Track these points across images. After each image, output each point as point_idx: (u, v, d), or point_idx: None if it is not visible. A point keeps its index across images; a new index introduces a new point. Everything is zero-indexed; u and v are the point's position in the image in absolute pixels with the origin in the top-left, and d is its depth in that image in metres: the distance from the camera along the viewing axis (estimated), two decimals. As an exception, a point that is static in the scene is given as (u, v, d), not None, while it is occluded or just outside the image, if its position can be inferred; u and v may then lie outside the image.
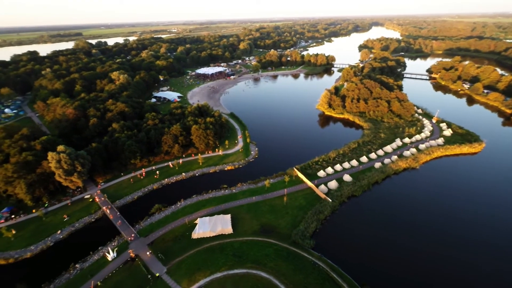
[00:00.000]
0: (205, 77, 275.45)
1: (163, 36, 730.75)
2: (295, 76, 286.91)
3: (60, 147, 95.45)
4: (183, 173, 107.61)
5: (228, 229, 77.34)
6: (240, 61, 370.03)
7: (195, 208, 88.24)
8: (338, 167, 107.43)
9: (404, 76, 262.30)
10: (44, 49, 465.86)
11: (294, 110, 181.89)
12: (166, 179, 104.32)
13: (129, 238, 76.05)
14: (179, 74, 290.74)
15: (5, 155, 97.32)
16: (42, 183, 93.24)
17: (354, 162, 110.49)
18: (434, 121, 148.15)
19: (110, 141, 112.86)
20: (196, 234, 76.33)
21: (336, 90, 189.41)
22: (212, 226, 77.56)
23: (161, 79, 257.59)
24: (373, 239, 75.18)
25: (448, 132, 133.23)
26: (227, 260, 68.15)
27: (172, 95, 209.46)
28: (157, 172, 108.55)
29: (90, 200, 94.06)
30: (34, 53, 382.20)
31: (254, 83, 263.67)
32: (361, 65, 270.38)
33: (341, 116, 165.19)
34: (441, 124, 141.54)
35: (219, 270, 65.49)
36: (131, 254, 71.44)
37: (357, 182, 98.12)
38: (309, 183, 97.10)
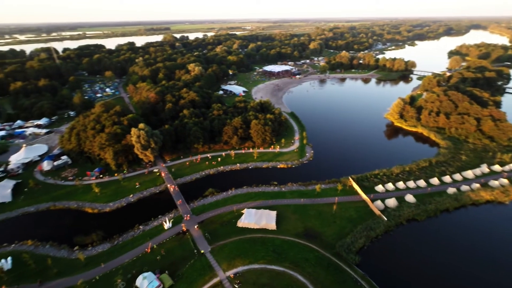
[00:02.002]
0: (271, 75, 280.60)
1: (237, 33, 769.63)
2: (366, 81, 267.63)
3: (141, 125, 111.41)
4: (238, 164, 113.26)
5: (272, 225, 78.68)
6: (308, 61, 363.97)
7: (244, 199, 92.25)
8: (400, 184, 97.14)
9: (506, 91, 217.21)
10: (139, 41, 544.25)
11: (358, 117, 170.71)
12: (222, 167, 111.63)
13: (185, 218, 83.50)
14: (247, 69, 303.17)
15: (101, 126, 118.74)
16: (124, 153, 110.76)
17: (422, 183, 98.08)
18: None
19: (179, 125, 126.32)
20: (242, 223, 79.98)
21: (412, 100, 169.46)
22: (257, 218, 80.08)
23: (230, 73, 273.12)
24: (431, 271, 66.13)
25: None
26: (266, 254, 69.68)
27: (238, 89, 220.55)
28: (219, 159, 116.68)
29: (157, 174, 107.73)
30: (132, 43, 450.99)
31: (319, 84, 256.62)
32: (448, 74, 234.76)
33: (413, 129, 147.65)
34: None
35: (257, 262, 67.54)
36: (183, 228, 79.48)
37: (422, 205, 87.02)
38: (364, 196, 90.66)
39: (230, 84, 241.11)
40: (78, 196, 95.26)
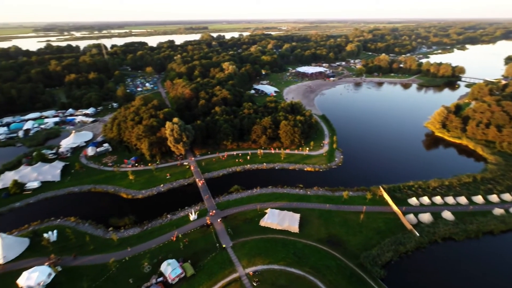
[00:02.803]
0: (304, 76, 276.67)
1: (272, 33, 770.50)
2: (405, 86, 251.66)
3: (175, 119, 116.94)
4: (265, 163, 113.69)
5: (295, 228, 77.82)
6: (343, 63, 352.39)
7: (268, 198, 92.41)
8: (437, 199, 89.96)
9: None
10: (179, 39, 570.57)
11: (394, 124, 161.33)
12: (248, 165, 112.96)
13: (210, 213, 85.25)
14: (280, 70, 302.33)
15: (140, 118, 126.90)
16: (158, 145, 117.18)
17: (463, 200, 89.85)
18: None
19: (210, 122, 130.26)
20: (264, 222, 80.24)
21: (457, 109, 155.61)
22: (280, 219, 79.76)
23: (263, 73, 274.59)
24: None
25: None
26: (287, 256, 69.16)
27: (269, 89, 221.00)
28: (248, 157, 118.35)
29: (187, 167, 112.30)
30: (172, 42, 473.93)
31: (354, 87, 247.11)
32: (503, 81, 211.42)
33: (457, 140, 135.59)
34: None
35: (277, 263, 67.34)
36: (208, 221, 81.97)
37: (461, 224, 79.69)
38: (395, 208, 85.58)
39: (262, 84, 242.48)
40: (115, 181, 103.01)
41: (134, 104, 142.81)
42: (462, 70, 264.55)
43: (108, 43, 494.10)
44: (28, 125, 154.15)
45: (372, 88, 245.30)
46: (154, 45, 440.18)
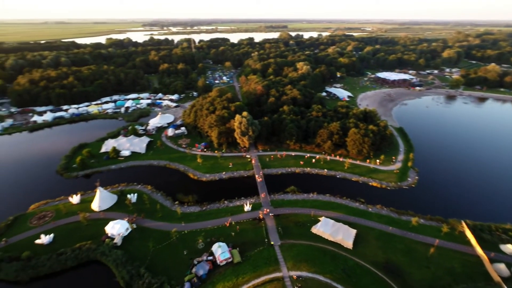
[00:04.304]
0: (384, 82, 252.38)
1: (354, 34, 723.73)
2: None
3: (244, 113, 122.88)
4: (326, 170, 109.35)
5: (348, 243, 72.91)
6: (436, 71, 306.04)
7: (324, 206, 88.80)
8: (546, 254, 70.57)
9: None
10: (258, 37, 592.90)
11: (492, 149, 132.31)
12: (308, 168, 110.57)
13: (265, 211, 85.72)
14: (358, 74, 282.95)
15: (214, 108, 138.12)
16: (226, 135, 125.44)
17: None
18: None
19: (277, 119, 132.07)
20: (316, 229, 77.67)
21: None
22: (333, 231, 75.89)
23: (338, 75, 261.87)
24: None
25: None
26: (335, 270, 65.55)
27: (342, 93, 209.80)
28: (313, 160, 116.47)
29: (249, 160, 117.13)
30: (251, 39, 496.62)
31: (446, 100, 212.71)
32: None
33: None
34: None
35: (323, 274, 64.51)
36: (260, 216, 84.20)
37: None
38: (480, 251, 70.97)
39: (335, 87, 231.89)
40: (186, 162, 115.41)
41: (211, 95, 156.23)
42: None
43: (197, 38, 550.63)
44: (128, 103, 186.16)
45: (469, 104, 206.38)
46: (235, 41, 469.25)
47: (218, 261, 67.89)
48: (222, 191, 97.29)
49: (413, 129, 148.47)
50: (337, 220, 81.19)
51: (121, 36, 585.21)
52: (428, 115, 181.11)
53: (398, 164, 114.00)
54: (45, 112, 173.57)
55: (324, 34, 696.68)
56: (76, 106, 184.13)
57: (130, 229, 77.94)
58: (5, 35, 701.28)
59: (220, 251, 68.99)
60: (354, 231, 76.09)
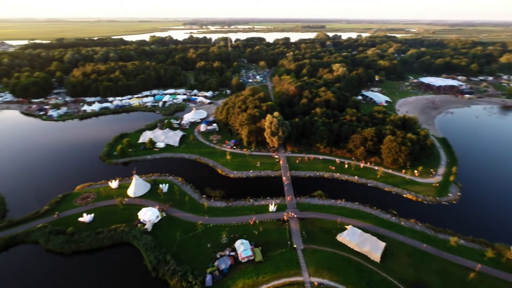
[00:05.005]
0: (428, 88, 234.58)
1: (397, 35, 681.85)
2: None
3: (275, 113, 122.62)
4: (356, 177, 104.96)
5: (376, 256, 69.29)
6: (491, 78, 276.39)
7: (352, 215, 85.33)
8: None
9: None
10: (294, 37, 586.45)
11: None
12: (338, 174, 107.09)
13: (290, 214, 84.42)
14: (398, 78, 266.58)
15: (245, 107, 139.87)
16: (256, 134, 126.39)
17: None
18: None
19: (308, 122, 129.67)
20: (342, 238, 75.06)
21: None
22: (360, 241, 72.65)
23: (376, 79, 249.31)
24: None
25: None
26: (358, 283, 62.76)
27: (380, 98, 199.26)
28: (345, 166, 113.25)
29: (277, 160, 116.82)
30: (287, 39, 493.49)
31: (500, 111, 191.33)
32: None
33: None
34: None
35: (346, 285, 62.14)
36: (285, 217, 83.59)
37: None
38: (530, 282, 62.89)
39: (372, 91, 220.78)
40: (216, 157, 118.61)
41: (244, 93, 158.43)
42: None
43: (233, 37, 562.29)
44: (166, 98, 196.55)
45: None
46: (271, 41, 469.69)
47: (240, 258, 68.93)
48: (249, 189, 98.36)
49: (458, 141, 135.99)
50: (365, 230, 77.55)
51: (163, 34, 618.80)
52: (478, 126, 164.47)
53: (438, 177, 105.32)
54: (93, 102, 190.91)
55: (364, 35, 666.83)
56: (120, 98, 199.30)
57: (160, 217, 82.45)
58: (64, 31, 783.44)
59: (243, 248, 69.94)
60: (383, 244, 72.09)
